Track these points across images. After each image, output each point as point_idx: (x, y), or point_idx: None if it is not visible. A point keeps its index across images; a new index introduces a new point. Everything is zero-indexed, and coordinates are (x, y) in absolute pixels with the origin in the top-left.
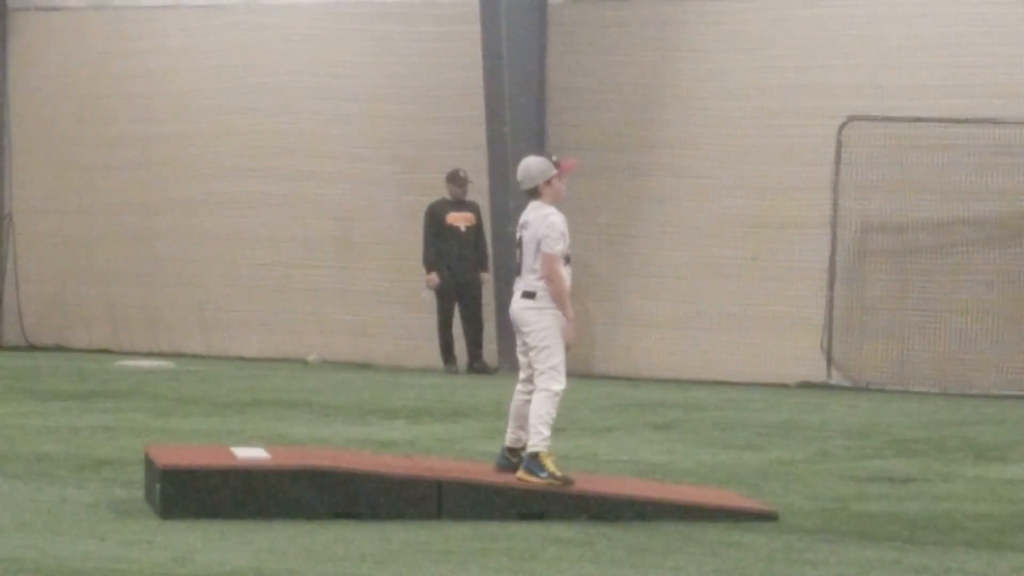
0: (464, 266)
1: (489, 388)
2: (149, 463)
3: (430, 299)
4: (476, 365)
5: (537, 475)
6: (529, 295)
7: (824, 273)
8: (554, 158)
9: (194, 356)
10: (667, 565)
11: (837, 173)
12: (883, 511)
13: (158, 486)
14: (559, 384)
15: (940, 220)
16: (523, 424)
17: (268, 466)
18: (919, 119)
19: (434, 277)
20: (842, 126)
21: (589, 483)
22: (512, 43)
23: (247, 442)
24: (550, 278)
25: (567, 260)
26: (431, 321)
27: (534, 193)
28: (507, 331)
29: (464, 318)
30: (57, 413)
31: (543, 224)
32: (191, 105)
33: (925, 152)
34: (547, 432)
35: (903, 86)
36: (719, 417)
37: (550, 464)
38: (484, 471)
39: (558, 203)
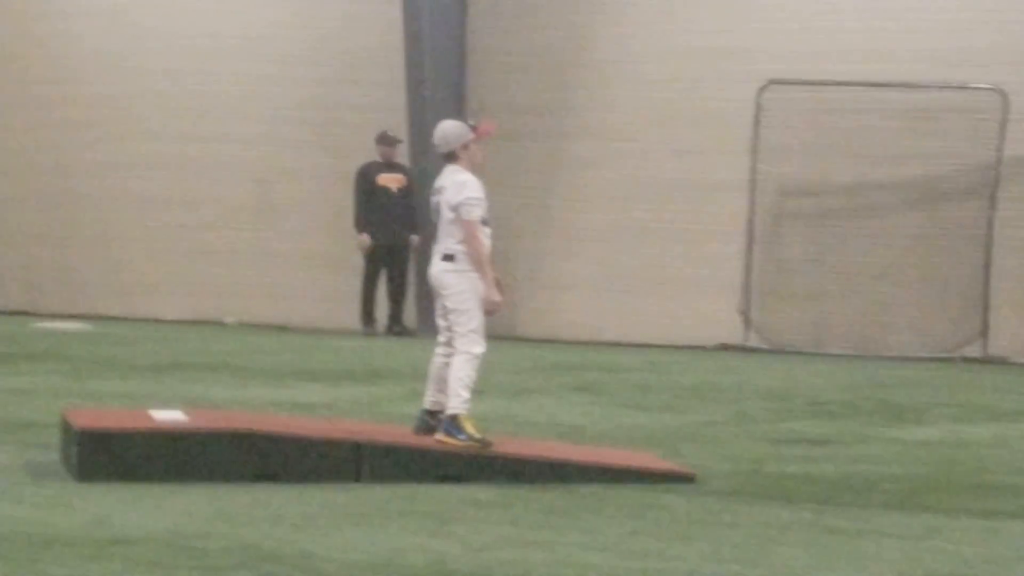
0: (394, 228)
1: (408, 351)
2: (66, 426)
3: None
4: (396, 328)
5: (456, 437)
6: (448, 258)
7: (742, 236)
8: (471, 122)
9: (112, 318)
10: (585, 527)
11: (756, 136)
12: (800, 473)
13: (75, 449)
14: (479, 347)
15: (857, 184)
16: (442, 387)
17: (186, 428)
18: (837, 83)
19: (365, 238)
20: (761, 89)
21: (508, 445)
22: (432, 5)
23: (165, 404)
24: (470, 243)
25: (485, 223)
26: (349, 283)
27: (451, 157)
28: (427, 294)
29: (390, 280)
30: None
31: (460, 190)
32: (109, 67)
33: (843, 116)
34: (466, 395)
35: (822, 50)
36: (637, 379)
37: (469, 427)
38: (403, 433)
39: (476, 168)
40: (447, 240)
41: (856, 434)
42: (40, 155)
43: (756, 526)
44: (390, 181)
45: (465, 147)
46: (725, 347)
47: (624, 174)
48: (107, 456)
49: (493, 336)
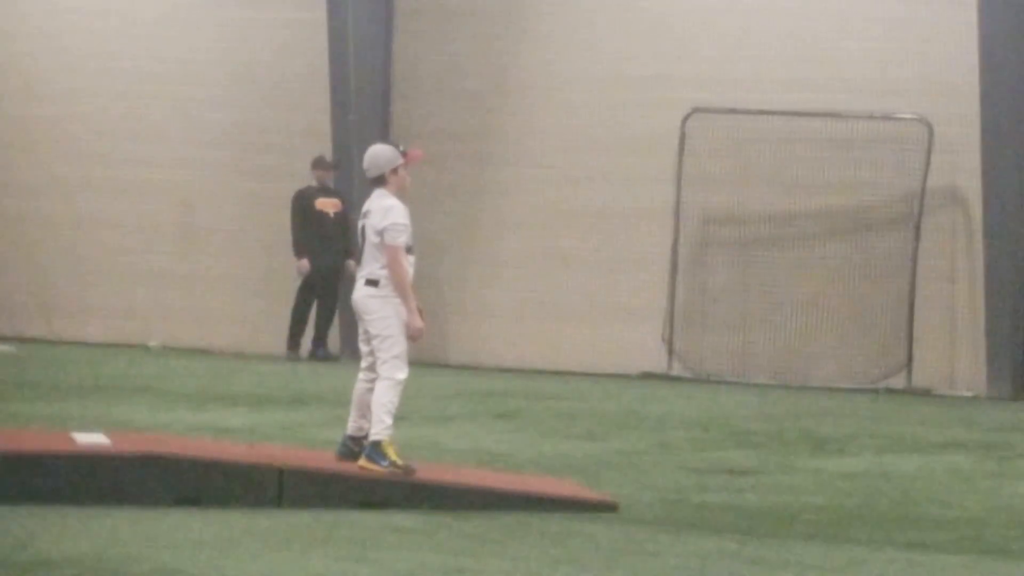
0: (331, 253)
1: (331, 376)
2: None
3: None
4: (320, 352)
5: (379, 463)
6: (372, 283)
7: (666, 264)
8: (401, 148)
9: (35, 340)
10: (508, 554)
11: (680, 164)
12: (722, 502)
13: None
14: (402, 373)
15: (782, 212)
16: (365, 412)
17: (109, 452)
18: (762, 111)
19: (305, 263)
20: (686, 117)
21: (431, 472)
22: (358, 30)
23: (88, 427)
24: (393, 269)
25: (409, 250)
26: (273, 308)
27: (379, 181)
28: (350, 318)
29: (320, 304)
30: None
31: (385, 215)
32: (35, 88)
33: (767, 145)
34: (389, 420)
35: (747, 78)
36: (561, 407)
37: (392, 453)
38: (325, 459)
39: (403, 193)
40: (372, 264)
41: (779, 464)
42: None
43: (679, 556)
44: (327, 205)
45: (395, 172)
46: (648, 375)
47: (548, 201)
48: (29, 479)
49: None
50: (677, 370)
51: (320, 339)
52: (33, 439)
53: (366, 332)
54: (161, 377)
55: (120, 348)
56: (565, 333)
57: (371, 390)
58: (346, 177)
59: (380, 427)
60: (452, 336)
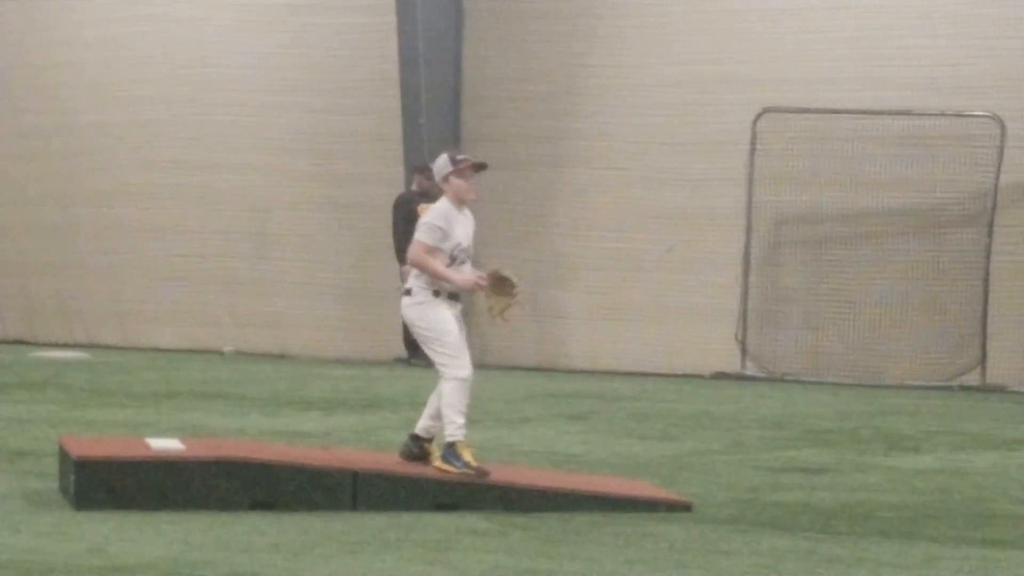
0: None
1: (404, 379)
2: (64, 454)
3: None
4: (413, 360)
5: (454, 465)
6: (407, 292)
7: (739, 264)
8: (460, 156)
9: (109, 347)
10: (581, 556)
11: (752, 165)
12: (797, 501)
13: (72, 477)
14: (463, 371)
15: (853, 211)
16: (434, 414)
17: (183, 457)
18: (833, 111)
19: (408, 269)
20: (757, 118)
21: (504, 474)
22: (428, 34)
23: (162, 433)
24: (417, 265)
25: (454, 259)
26: (345, 311)
27: (441, 189)
28: None
29: None
30: None
31: (425, 216)
32: (106, 96)
33: (839, 144)
34: (461, 420)
35: (817, 78)
36: (634, 408)
37: (467, 455)
38: (399, 462)
39: (464, 201)
40: (413, 271)
41: (853, 463)
42: (38, 184)
43: (753, 555)
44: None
45: (446, 180)
46: (721, 375)
47: (620, 202)
48: (104, 485)
49: (490, 364)
50: (750, 370)
51: (416, 345)
52: (108, 445)
53: None
54: (235, 382)
55: (194, 354)
56: (638, 334)
57: (439, 394)
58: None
59: (452, 428)
60: (526, 338)
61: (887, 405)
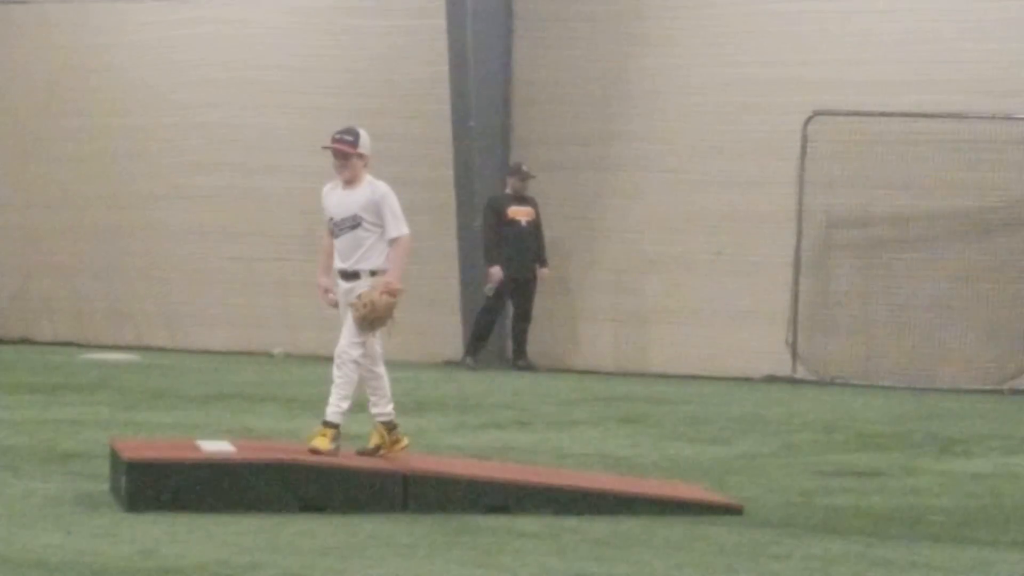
0: (523, 261)
1: (454, 381)
2: (115, 456)
3: (492, 294)
4: (520, 362)
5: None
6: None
7: (789, 267)
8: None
9: (160, 349)
10: (632, 559)
11: (802, 168)
12: (848, 505)
13: (123, 479)
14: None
15: (905, 214)
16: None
17: (234, 459)
18: (884, 114)
19: (497, 271)
20: (807, 120)
21: (555, 477)
22: (478, 37)
23: (212, 435)
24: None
25: (329, 231)
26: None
27: None
28: (472, 324)
29: (516, 315)
30: (22, 406)
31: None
32: (156, 99)
33: (890, 147)
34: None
35: (869, 81)
36: (685, 411)
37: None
38: (450, 464)
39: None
40: None
41: (905, 466)
42: (87, 187)
43: (804, 559)
44: (520, 214)
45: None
46: (772, 379)
47: (670, 205)
48: (155, 487)
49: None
50: (801, 373)
51: (520, 349)
52: (159, 447)
53: None
54: (285, 385)
55: (244, 356)
56: (689, 337)
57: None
58: (466, 184)
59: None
60: (576, 341)
61: (938, 408)
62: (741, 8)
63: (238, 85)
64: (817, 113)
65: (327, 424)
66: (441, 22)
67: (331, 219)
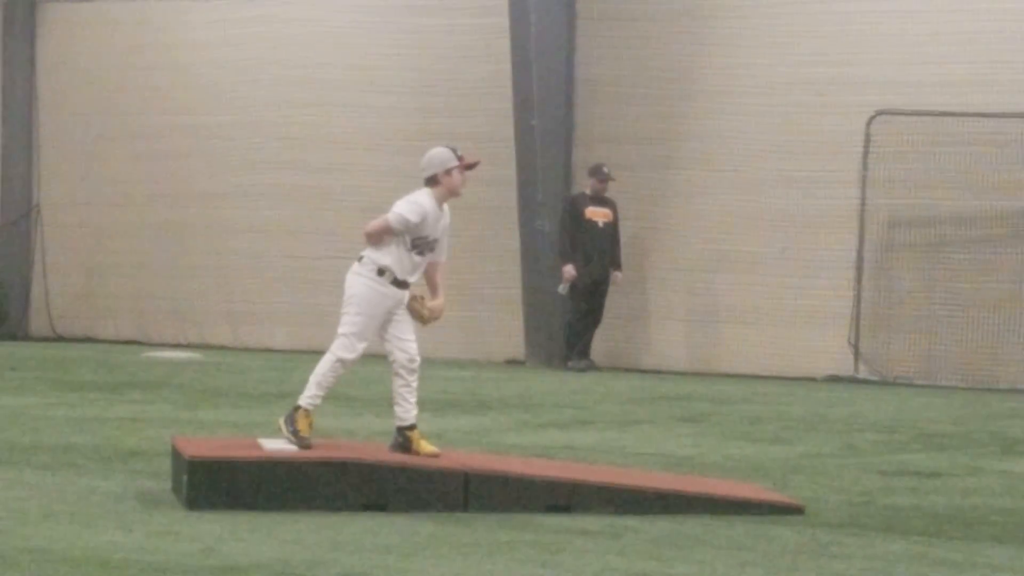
0: (598, 262)
1: (515, 381)
2: (176, 454)
3: (565, 293)
4: (584, 363)
5: (286, 427)
6: (359, 259)
7: (852, 267)
8: (459, 152)
9: (221, 348)
10: (693, 558)
11: (865, 167)
12: (909, 505)
13: (185, 477)
14: (350, 353)
15: (968, 215)
16: (396, 400)
17: (295, 458)
18: (947, 113)
19: (570, 268)
20: (870, 120)
21: (616, 475)
22: (540, 36)
23: (274, 434)
24: (372, 237)
25: (415, 247)
26: (458, 313)
27: (431, 181)
28: (534, 323)
29: (585, 315)
30: (85, 404)
31: (406, 202)
32: (219, 97)
33: (953, 146)
34: (320, 393)
35: (931, 80)
36: (746, 411)
37: (303, 423)
38: (511, 463)
39: (453, 196)
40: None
41: (967, 466)
42: (149, 186)
43: (866, 559)
44: (598, 215)
45: (448, 173)
46: (834, 378)
47: (732, 204)
48: (217, 485)
49: (603, 366)
50: (863, 373)
51: (585, 349)
52: (221, 445)
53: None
54: (347, 383)
55: (305, 354)
56: (751, 336)
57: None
58: (529, 183)
59: (307, 396)
60: (637, 340)
61: (1001, 409)
62: (804, 8)
63: (300, 83)
64: (880, 112)
65: (414, 427)
66: (504, 20)
67: (426, 237)
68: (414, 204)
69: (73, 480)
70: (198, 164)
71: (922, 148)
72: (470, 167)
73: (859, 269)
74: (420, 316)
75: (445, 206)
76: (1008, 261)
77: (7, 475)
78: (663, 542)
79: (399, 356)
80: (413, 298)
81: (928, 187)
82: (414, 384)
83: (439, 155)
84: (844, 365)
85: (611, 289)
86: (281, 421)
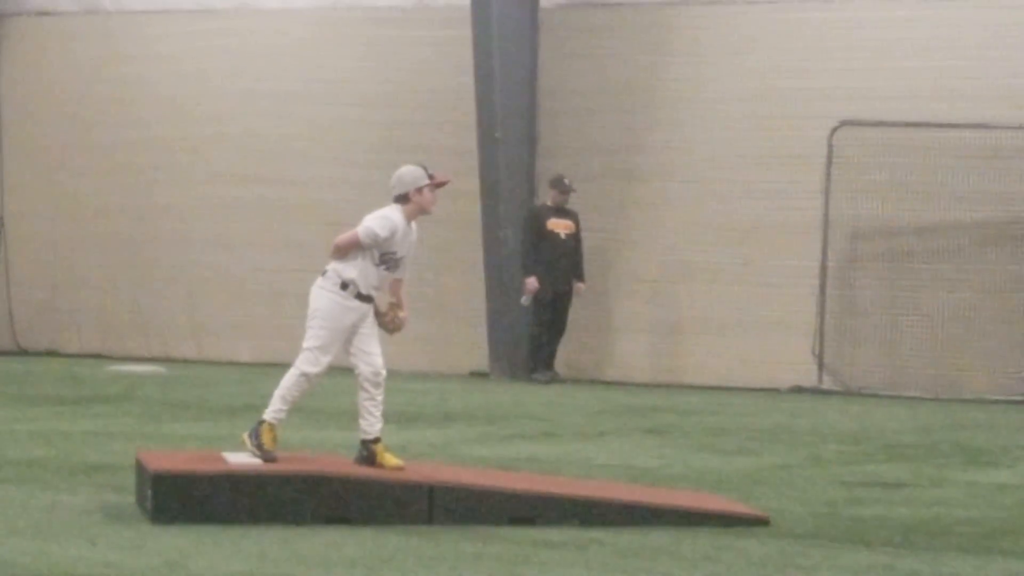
0: (560, 274)
1: (480, 393)
2: (141, 468)
3: (528, 304)
4: (548, 374)
5: (251, 441)
6: (323, 273)
7: (816, 277)
8: (430, 171)
9: (185, 361)
10: (658, 570)
11: (828, 177)
12: (875, 516)
13: (149, 491)
14: (314, 368)
15: (931, 225)
16: (362, 413)
17: (260, 472)
18: (910, 124)
19: (533, 280)
20: (834, 130)
21: (581, 488)
22: (503, 48)
23: (239, 447)
24: (337, 253)
25: (383, 263)
26: (422, 326)
27: (401, 199)
28: (498, 335)
29: (548, 327)
30: (49, 418)
31: (376, 218)
32: (182, 110)
33: (916, 156)
34: (284, 407)
35: (895, 91)
36: (711, 422)
37: (267, 438)
38: (475, 475)
39: (424, 214)
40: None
41: (932, 477)
42: (112, 199)
43: (831, 570)
44: (560, 227)
45: (419, 191)
46: (799, 389)
47: (696, 215)
48: (181, 498)
49: (567, 378)
50: (828, 384)
51: (549, 361)
52: (185, 459)
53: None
54: (312, 396)
55: (270, 367)
56: (714, 348)
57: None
58: (491, 195)
59: (272, 409)
60: (600, 352)
61: (965, 419)
62: (767, 18)
63: (264, 97)
64: (843, 123)
65: (379, 440)
66: (467, 32)
67: (394, 254)
68: (384, 219)
69: (37, 494)
70: (162, 177)
71: (886, 159)
72: (440, 185)
73: (823, 280)
74: (395, 324)
75: (414, 223)
76: (971, 271)
77: None
78: (628, 554)
79: (364, 369)
80: (391, 305)
81: (892, 198)
82: (379, 397)
83: (410, 173)
84: (808, 376)
85: (574, 300)
86: (246, 435)
